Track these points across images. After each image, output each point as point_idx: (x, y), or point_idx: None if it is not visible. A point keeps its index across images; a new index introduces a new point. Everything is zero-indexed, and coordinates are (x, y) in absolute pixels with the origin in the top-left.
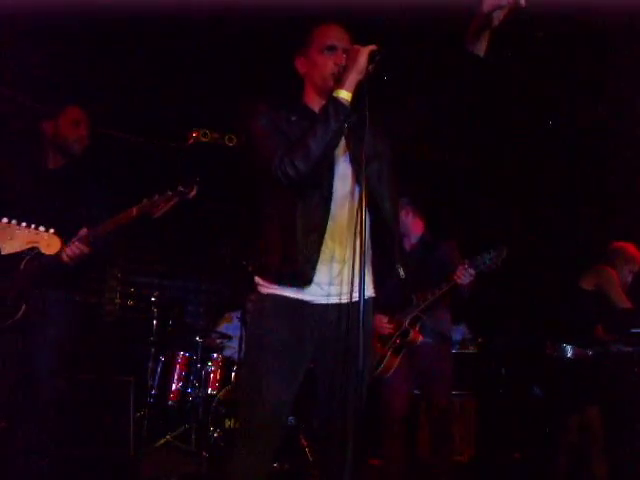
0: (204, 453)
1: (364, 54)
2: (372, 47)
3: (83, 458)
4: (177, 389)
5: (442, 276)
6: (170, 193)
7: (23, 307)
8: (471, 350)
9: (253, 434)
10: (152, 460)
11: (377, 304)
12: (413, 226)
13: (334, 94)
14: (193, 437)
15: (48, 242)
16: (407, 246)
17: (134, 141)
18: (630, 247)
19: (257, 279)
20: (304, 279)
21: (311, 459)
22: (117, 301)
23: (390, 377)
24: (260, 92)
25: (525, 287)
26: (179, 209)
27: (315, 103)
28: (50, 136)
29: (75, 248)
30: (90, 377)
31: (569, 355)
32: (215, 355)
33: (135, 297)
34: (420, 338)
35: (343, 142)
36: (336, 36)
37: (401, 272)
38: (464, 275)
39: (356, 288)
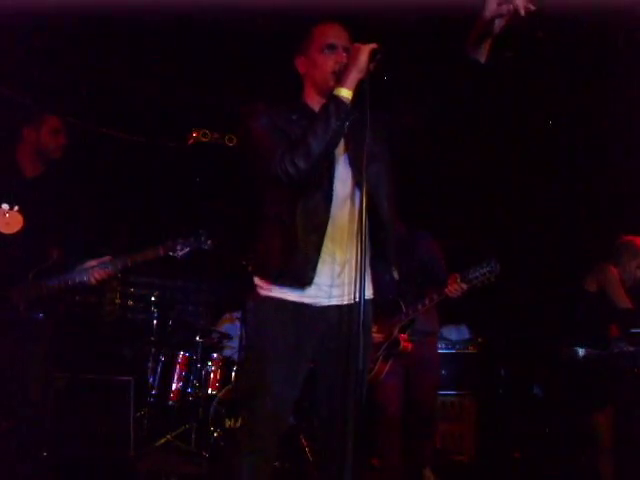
0: (204, 453)
1: (365, 52)
2: (373, 45)
3: (83, 458)
4: (177, 389)
5: (425, 275)
6: (191, 240)
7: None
8: (471, 350)
9: (255, 435)
10: (152, 460)
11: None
12: None
13: (335, 92)
14: (193, 437)
15: (7, 220)
16: None
17: (134, 141)
18: (638, 241)
19: (256, 280)
20: (304, 280)
21: (311, 459)
22: (117, 301)
23: (383, 381)
24: (260, 92)
25: (525, 287)
26: (179, 209)
27: (315, 102)
28: (31, 143)
29: (103, 273)
30: (90, 377)
31: (580, 357)
32: (215, 355)
33: (135, 297)
34: (410, 347)
35: (342, 143)
36: (336, 35)
37: (395, 274)
38: (456, 290)
39: (355, 289)
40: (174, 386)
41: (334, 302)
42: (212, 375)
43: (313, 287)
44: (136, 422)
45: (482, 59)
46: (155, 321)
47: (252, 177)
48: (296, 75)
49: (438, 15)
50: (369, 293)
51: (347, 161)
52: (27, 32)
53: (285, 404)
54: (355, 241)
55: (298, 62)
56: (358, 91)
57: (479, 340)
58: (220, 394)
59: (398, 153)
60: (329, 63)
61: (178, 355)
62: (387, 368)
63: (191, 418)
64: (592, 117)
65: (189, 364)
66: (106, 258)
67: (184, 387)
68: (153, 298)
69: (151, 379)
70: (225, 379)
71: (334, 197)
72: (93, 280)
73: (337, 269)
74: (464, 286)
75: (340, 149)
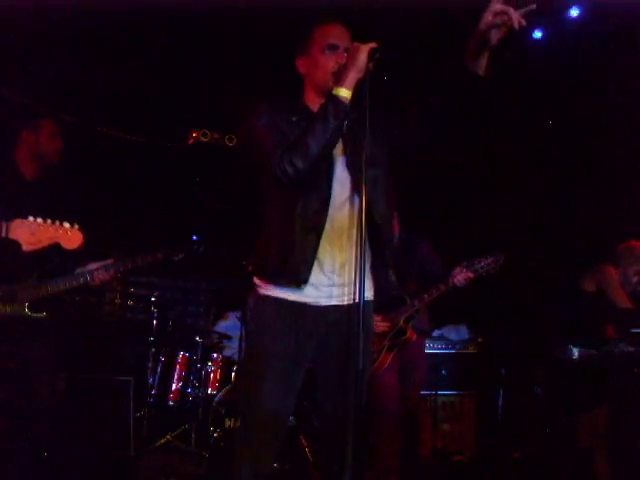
0: (204, 453)
1: (364, 52)
2: (372, 45)
3: (83, 458)
4: (177, 389)
5: (423, 275)
6: (185, 246)
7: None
8: (471, 350)
9: (253, 436)
10: (152, 460)
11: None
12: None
13: (334, 92)
14: (193, 437)
15: (69, 237)
16: None
17: (134, 141)
18: (638, 246)
19: (256, 280)
20: (299, 279)
21: (311, 459)
22: (117, 301)
23: (381, 375)
24: (260, 92)
25: (525, 287)
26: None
27: (315, 103)
28: (30, 146)
29: (106, 275)
30: (90, 377)
31: (575, 357)
32: (215, 355)
33: (135, 297)
34: (415, 336)
35: (341, 143)
36: (337, 35)
37: (392, 277)
38: (463, 279)
39: (355, 290)
40: (174, 386)
41: (334, 302)
42: (212, 375)
43: (311, 287)
44: (136, 422)
45: (481, 71)
46: (155, 321)
47: (252, 177)
48: (296, 75)
49: (438, 15)
50: (369, 294)
51: (345, 162)
52: (27, 32)
53: (284, 404)
54: (354, 242)
55: (299, 62)
56: (357, 91)
57: (479, 340)
58: (220, 394)
59: (397, 156)
60: (330, 64)
61: (178, 355)
62: (389, 360)
63: (191, 418)
64: (593, 117)
65: (189, 364)
66: (109, 261)
67: (184, 387)
68: (153, 298)
69: (151, 379)
70: (225, 379)
71: (332, 198)
72: (97, 281)
73: (336, 270)
74: (470, 275)
75: (339, 150)
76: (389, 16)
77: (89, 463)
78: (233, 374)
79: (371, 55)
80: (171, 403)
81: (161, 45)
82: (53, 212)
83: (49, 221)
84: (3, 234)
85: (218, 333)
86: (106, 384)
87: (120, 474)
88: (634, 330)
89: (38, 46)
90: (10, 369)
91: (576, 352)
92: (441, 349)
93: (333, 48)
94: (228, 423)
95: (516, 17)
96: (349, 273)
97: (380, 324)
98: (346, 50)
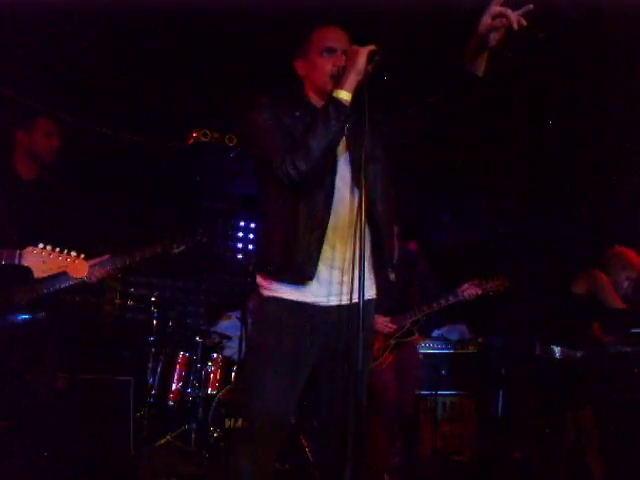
0: (204, 453)
1: (363, 54)
2: (371, 47)
3: (83, 458)
4: (177, 389)
5: (425, 287)
6: (186, 237)
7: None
8: (471, 350)
9: (255, 436)
10: (152, 460)
11: (378, 305)
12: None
13: (334, 94)
14: (193, 437)
15: (77, 267)
16: None
17: (134, 141)
18: (630, 253)
19: (258, 279)
20: (305, 275)
21: (311, 459)
22: (117, 301)
23: (382, 373)
24: (260, 92)
25: (525, 287)
26: (178, 210)
27: (316, 103)
28: (25, 146)
29: (103, 271)
30: (90, 377)
31: (557, 356)
32: (215, 355)
33: (135, 297)
34: (420, 339)
35: (344, 142)
36: (335, 38)
37: (392, 276)
38: (471, 294)
39: (357, 289)
40: (174, 386)
41: (334, 302)
42: (212, 375)
43: (314, 284)
44: (136, 422)
45: (480, 72)
46: (155, 321)
47: (254, 174)
48: (296, 76)
49: (437, 15)
50: (372, 293)
51: (348, 160)
52: (26, 32)
53: (286, 405)
54: (355, 240)
55: (297, 65)
56: (357, 93)
57: (479, 340)
58: (220, 394)
59: (397, 156)
60: (328, 66)
61: (178, 355)
62: (390, 359)
63: (191, 418)
64: (590, 129)
65: (189, 364)
66: (105, 257)
67: (184, 387)
68: (153, 298)
69: (151, 379)
70: (225, 379)
71: (336, 195)
72: (94, 279)
73: (337, 267)
74: (478, 291)
75: (342, 147)
76: (388, 17)
77: (89, 463)
78: (233, 374)
79: (370, 57)
80: (171, 403)
81: (161, 45)
82: (54, 210)
83: (58, 250)
84: (16, 261)
85: (218, 333)
86: (106, 384)
87: (120, 474)
88: (634, 330)
89: (38, 46)
90: (10, 369)
91: (558, 352)
92: (441, 349)
93: (331, 51)
94: (228, 423)
95: (515, 18)
96: (350, 271)
97: (388, 325)
98: (344, 52)
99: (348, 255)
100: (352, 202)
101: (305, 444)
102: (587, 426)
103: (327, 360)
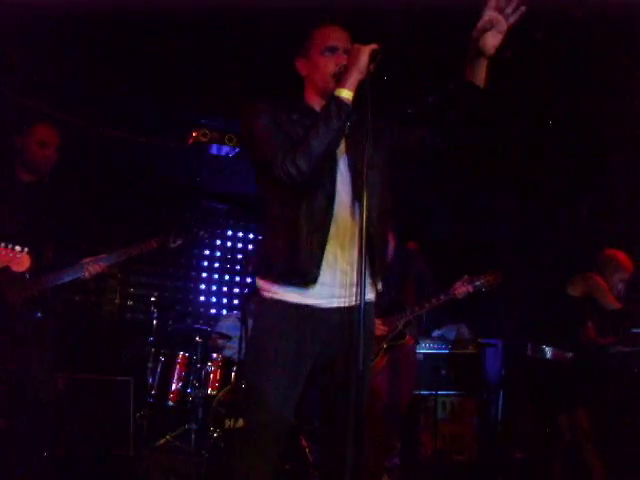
0: (204, 453)
1: (365, 53)
2: (373, 46)
3: (83, 458)
4: (177, 389)
5: (421, 286)
6: (183, 232)
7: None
8: (471, 350)
9: (256, 437)
10: (152, 460)
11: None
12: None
13: (335, 93)
14: (193, 437)
15: (19, 261)
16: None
17: (134, 141)
18: (620, 255)
19: (259, 282)
20: (308, 278)
21: (311, 459)
22: (117, 301)
23: (375, 378)
24: (260, 92)
25: (525, 287)
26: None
27: (316, 104)
28: (20, 153)
29: (97, 267)
30: (90, 377)
31: (549, 357)
32: (215, 355)
33: (135, 297)
34: (413, 341)
35: (343, 143)
36: (337, 37)
37: (379, 286)
38: (463, 292)
39: (357, 291)
40: (174, 386)
41: (335, 304)
42: (212, 375)
43: (316, 287)
44: (136, 422)
45: (480, 82)
46: (155, 321)
47: (255, 177)
48: (297, 76)
49: (437, 15)
50: (371, 296)
51: (348, 161)
52: (26, 32)
53: (287, 407)
54: (356, 242)
55: (299, 64)
56: (358, 92)
57: (479, 340)
58: (220, 394)
59: (398, 165)
60: (329, 65)
61: (178, 355)
62: (384, 363)
63: (191, 418)
64: (586, 131)
65: (189, 364)
66: (102, 256)
67: (184, 387)
68: (153, 298)
69: (151, 379)
70: (225, 379)
71: (337, 197)
72: (87, 275)
73: (339, 269)
74: (470, 289)
75: (341, 148)
76: (389, 17)
77: (89, 463)
78: (233, 374)
79: (373, 56)
80: (171, 403)
81: (161, 45)
82: (52, 210)
83: (2, 244)
84: None
85: (218, 333)
86: (106, 384)
87: (120, 474)
88: (634, 330)
89: (38, 46)
90: (10, 369)
91: (549, 352)
92: (441, 349)
93: (332, 50)
94: (228, 423)
95: (505, 15)
96: (351, 273)
97: (379, 327)
98: (346, 51)
99: (349, 258)
100: (352, 205)
101: (305, 444)
102: (583, 426)
103: (327, 362)
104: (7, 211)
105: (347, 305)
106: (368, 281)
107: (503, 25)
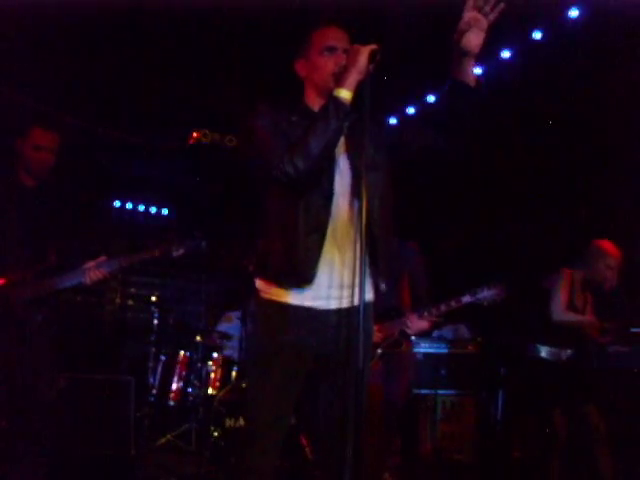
0: (204, 453)
1: (364, 54)
2: (372, 46)
3: (83, 458)
4: (177, 389)
5: (416, 285)
6: (186, 241)
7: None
8: (471, 350)
9: (259, 436)
10: (152, 460)
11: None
12: None
13: (334, 93)
14: (193, 437)
15: None
16: None
17: (134, 141)
18: (604, 243)
19: (257, 283)
20: (304, 278)
21: (311, 459)
22: (117, 301)
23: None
24: (260, 92)
25: (524, 287)
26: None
27: (316, 105)
28: (19, 157)
29: (99, 274)
30: (90, 377)
31: (544, 356)
32: (215, 355)
33: (135, 297)
34: (409, 348)
35: (343, 145)
36: (335, 37)
37: (382, 286)
38: (461, 303)
39: (356, 292)
40: (174, 386)
41: (333, 305)
42: (212, 375)
43: (313, 287)
44: (136, 422)
45: (470, 81)
46: (155, 321)
47: (253, 177)
48: (296, 77)
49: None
50: (370, 296)
51: (347, 161)
52: (26, 32)
53: (287, 407)
54: (354, 243)
55: (298, 66)
56: (357, 92)
57: (479, 340)
58: (220, 393)
59: (398, 165)
60: (329, 65)
61: (178, 355)
62: (378, 368)
63: (191, 418)
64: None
65: (189, 364)
66: (101, 258)
67: (184, 387)
68: (153, 298)
69: (151, 379)
70: (225, 379)
71: (335, 197)
72: (89, 281)
73: (337, 269)
74: (470, 300)
75: (340, 148)
76: (389, 17)
77: (89, 463)
78: (233, 373)
79: (372, 57)
80: (171, 403)
81: (161, 45)
82: (53, 212)
83: None
84: None
85: (218, 333)
86: (107, 384)
87: (120, 474)
88: (633, 330)
89: (38, 45)
90: (11, 369)
91: (545, 351)
92: (441, 349)
93: (332, 50)
94: (228, 423)
95: (485, 13)
96: (349, 274)
97: (375, 334)
98: (345, 51)
99: (348, 258)
100: (351, 206)
101: (305, 444)
102: (592, 425)
103: (325, 363)
104: (10, 215)
105: (347, 306)
106: (368, 280)
107: (483, 23)
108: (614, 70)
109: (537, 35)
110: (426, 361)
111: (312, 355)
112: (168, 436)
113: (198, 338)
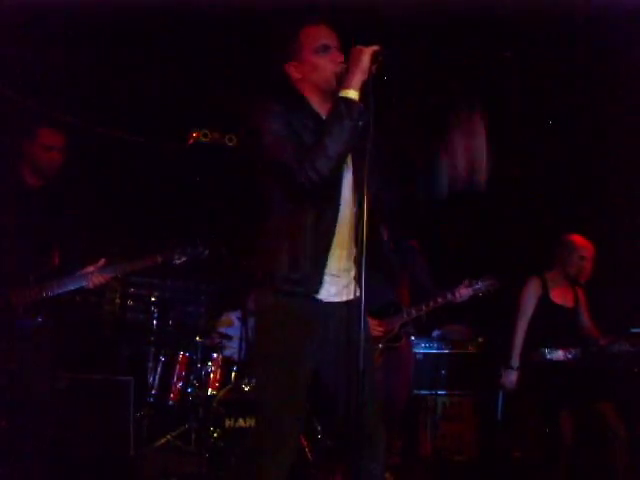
0: (204, 453)
1: (367, 54)
2: (375, 47)
3: (83, 458)
4: (177, 389)
5: (412, 281)
6: (188, 249)
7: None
8: (471, 350)
9: (269, 439)
10: (152, 460)
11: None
12: None
13: (342, 94)
14: (193, 437)
15: None
16: None
17: (134, 141)
18: (575, 237)
19: (261, 289)
20: (310, 289)
21: (311, 458)
22: (117, 301)
23: None
24: (260, 92)
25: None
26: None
27: (320, 106)
28: (27, 156)
29: (102, 278)
30: (90, 377)
31: (547, 357)
32: (215, 355)
33: (135, 297)
34: (409, 342)
35: None
36: (327, 35)
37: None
38: (461, 295)
39: (355, 289)
40: (174, 386)
41: (333, 299)
42: (212, 375)
43: (321, 292)
44: (136, 422)
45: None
46: (155, 321)
47: (258, 179)
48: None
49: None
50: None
51: (349, 169)
52: (27, 32)
53: (294, 408)
54: (356, 245)
55: (290, 68)
56: (362, 93)
57: (479, 340)
58: (220, 394)
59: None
60: (329, 64)
61: (178, 355)
62: (379, 364)
63: (191, 418)
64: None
65: (189, 364)
66: (101, 262)
67: (184, 387)
68: (153, 298)
69: (151, 379)
70: (225, 379)
71: (341, 208)
72: (92, 285)
73: (341, 275)
74: (470, 293)
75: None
76: (389, 17)
77: (89, 463)
78: (233, 374)
79: (374, 58)
80: (171, 403)
81: (161, 45)
82: (55, 215)
83: None
84: None
85: (218, 333)
86: (106, 384)
87: (120, 474)
88: (634, 330)
89: (38, 45)
90: (10, 369)
91: (547, 352)
92: (441, 349)
93: (326, 48)
94: (228, 423)
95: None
96: (349, 274)
97: (376, 328)
98: (338, 49)
99: (348, 261)
100: (352, 212)
101: (305, 444)
102: (609, 423)
103: (328, 361)
104: (14, 216)
105: (346, 299)
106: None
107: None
108: (614, 70)
109: (537, 35)
110: (426, 361)
111: (314, 354)
112: (168, 436)
113: (198, 338)
